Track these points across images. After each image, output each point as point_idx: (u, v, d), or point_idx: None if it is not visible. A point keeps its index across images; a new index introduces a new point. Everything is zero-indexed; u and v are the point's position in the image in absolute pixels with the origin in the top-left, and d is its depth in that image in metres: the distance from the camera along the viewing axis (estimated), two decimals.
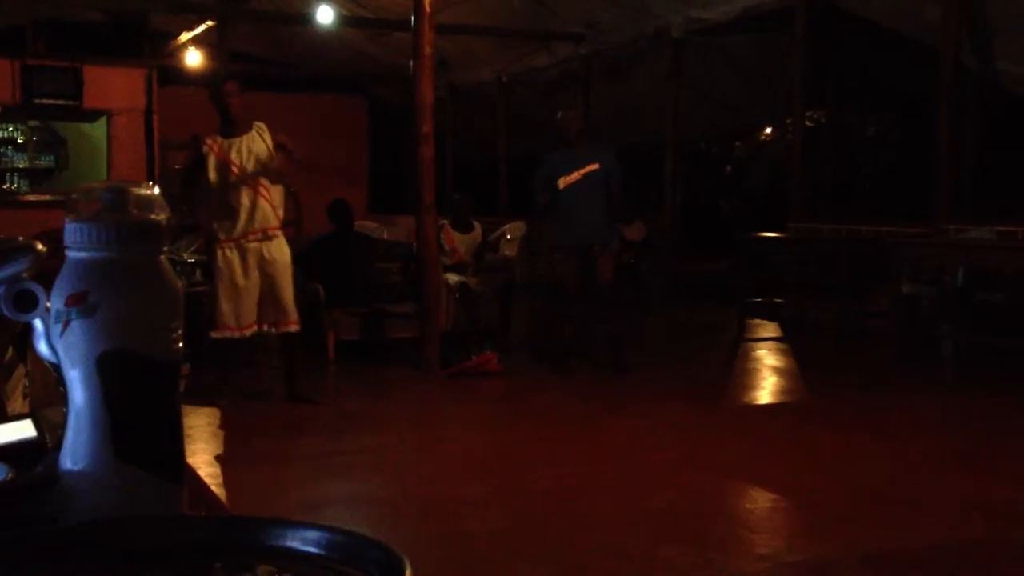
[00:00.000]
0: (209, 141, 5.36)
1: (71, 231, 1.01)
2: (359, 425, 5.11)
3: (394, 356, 6.74)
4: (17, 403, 1.86)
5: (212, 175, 5.32)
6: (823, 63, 8.35)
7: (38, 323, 1.04)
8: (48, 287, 1.01)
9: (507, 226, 9.62)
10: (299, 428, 5.01)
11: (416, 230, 6.70)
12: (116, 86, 11.84)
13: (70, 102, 11.61)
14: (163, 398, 1.01)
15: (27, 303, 1.03)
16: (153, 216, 1.08)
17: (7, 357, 1.84)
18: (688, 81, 8.83)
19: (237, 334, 5.29)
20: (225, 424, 5.10)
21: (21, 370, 1.89)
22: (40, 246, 1.10)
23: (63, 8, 11.15)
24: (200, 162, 5.38)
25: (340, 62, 12.42)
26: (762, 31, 8.63)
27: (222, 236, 5.31)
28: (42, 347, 1.04)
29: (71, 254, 1.01)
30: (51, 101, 11.53)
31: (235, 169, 5.31)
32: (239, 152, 5.32)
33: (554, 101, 11.07)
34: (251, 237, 5.31)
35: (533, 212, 7.08)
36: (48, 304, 1.03)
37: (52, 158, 12.52)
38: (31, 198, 11.47)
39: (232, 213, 5.30)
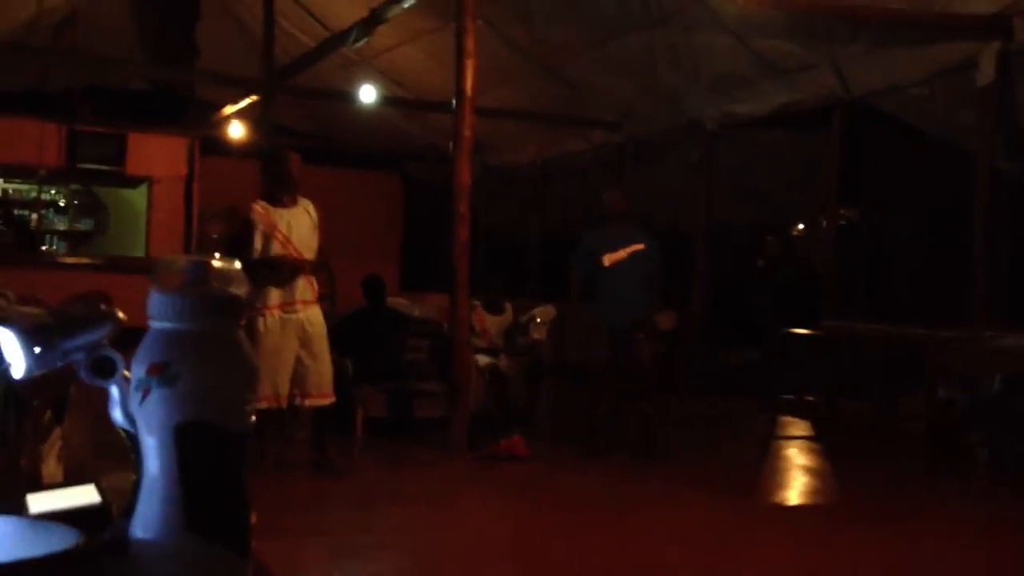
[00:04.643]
0: (259, 209, 5.42)
1: (155, 302, 1.04)
2: (385, 503, 5.07)
3: (421, 435, 6.71)
4: (51, 466, 1.87)
5: (258, 243, 5.39)
6: (858, 162, 8.41)
7: (114, 390, 1.05)
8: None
9: (537, 309, 9.62)
10: (326, 503, 4.98)
11: (448, 309, 6.73)
12: (159, 154, 12.04)
13: (113, 168, 11.79)
14: (234, 470, 1.02)
15: (106, 369, 1.05)
16: (233, 290, 1.10)
17: (45, 420, 1.86)
18: (721, 173, 8.91)
19: (275, 405, 5.26)
20: (255, 495, 5.07)
21: (57, 433, 1.90)
22: (121, 315, 1.13)
23: (110, 76, 11.43)
24: (248, 230, 5.43)
25: (378, 139, 12.63)
26: (797, 128, 8.74)
27: (262, 305, 5.33)
28: (117, 414, 1.06)
29: (154, 324, 1.03)
30: (95, 166, 11.71)
31: (280, 239, 5.38)
32: (287, 223, 5.41)
33: (588, 186, 11.20)
34: (291, 308, 5.34)
35: (570, 288, 7.02)
36: (126, 371, 1.05)
37: (92, 222, 12.69)
38: (69, 261, 11.60)
39: (272, 285, 5.36)
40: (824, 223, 9.01)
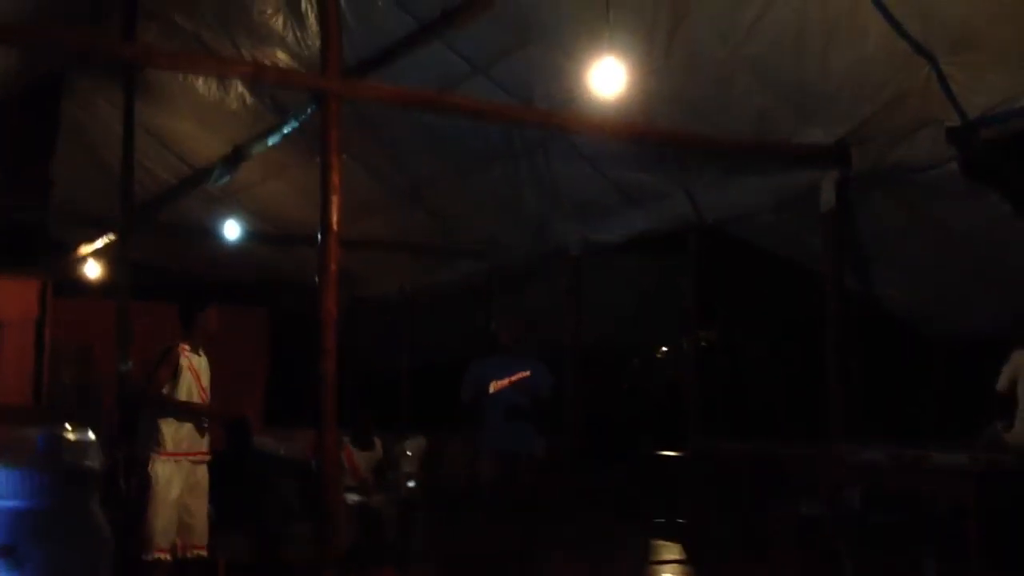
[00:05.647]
0: (186, 350, 5.48)
1: (2, 479, 0.99)
2: None
3: None
4: None
5: (182, 387, 5.41)
6: (714, 284, 8.74)
7: None
8: None
9: (407, 442, 9.48)
10: None
11: (316, 447, 6.57)
12: (9, 296, 11.54)
13: None
14: None
15: None
16: (88, 462, 1.07)
17: None
18: (587, 297, 9.10)
19: (167, 557, 5.10)
20: None
21: None
22: None
23: None
24: (170, 368, 5.43)
25: (243, 273, 12.47)
26: (657, 253, 9.05)
27: (159, 449, 5.23)
28: None
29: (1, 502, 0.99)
30: None
31: (198, 385, 5.45)
32: (202, 368, 5.50)
33: (457, 314, 11.27)
34: (193, 456, 5.34)
35: (458, 414, 7.06)
36: None
37: None
38: None
39: (186, 427, 5.31)
40: (684, 344, 9.27)
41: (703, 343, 9.58)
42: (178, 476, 5.19)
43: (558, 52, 6.48)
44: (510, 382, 6.44)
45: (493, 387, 6.41)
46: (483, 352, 6.92)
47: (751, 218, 7.47)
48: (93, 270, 10.77)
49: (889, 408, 8.36)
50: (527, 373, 6.48)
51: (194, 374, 5.46)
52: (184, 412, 5.38)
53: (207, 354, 5.77)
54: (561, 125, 6.48)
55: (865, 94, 5.91)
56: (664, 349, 12.08)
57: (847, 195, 6.43)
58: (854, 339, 6.95)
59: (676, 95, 6.46)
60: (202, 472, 5.48)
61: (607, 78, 5.71)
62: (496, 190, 8.83)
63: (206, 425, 5.49)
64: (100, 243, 10.07)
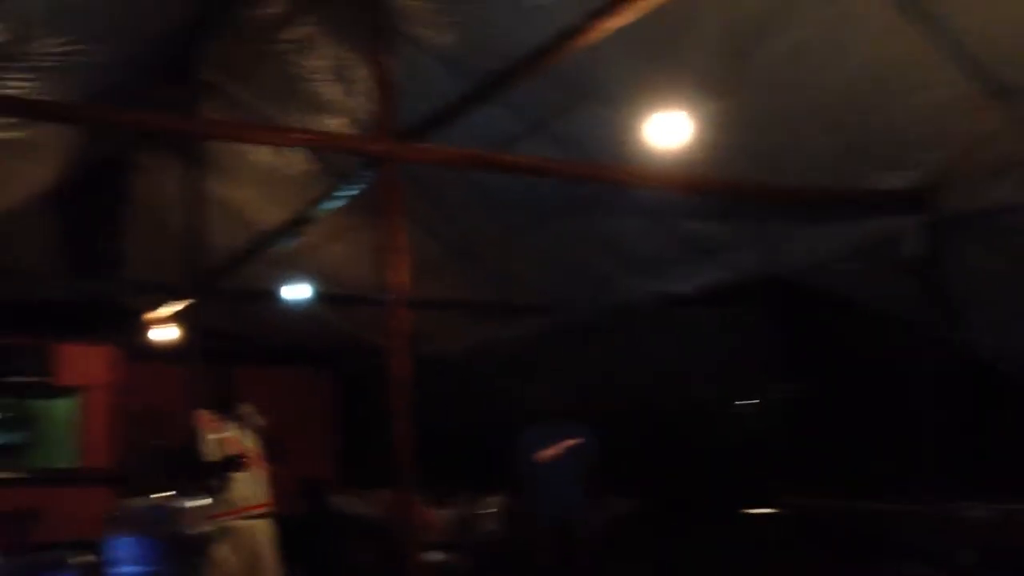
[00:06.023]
0: (208, 417, 5.51)
1: (119, 547, 0.89)
2: None
3: None
4: None
5: (213, 451, 5.42)
6: (792, 336, 8.48)
7: None
8: None
9: (482, 500, 9.39)
10: None
11: (394, 507, 6.51)
12: (87, 364, 11.82)
13: (39, 379, 11.59)
14: None
15: None
16: (196, 529, 0.97)
17: None
18: (655, 353, 8.90)
19: None
20: None
21: None
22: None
23: (32, 288, 11.32)
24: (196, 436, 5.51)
25: (308, 335, 12.51)
26: (728, 305, 8.81)
27: (217, 512, 5.26)
28: None
29: (118, 570, 0.88)
30: (20, 379, 11.51)
31: (237, 446, 5.43)
32: (238, 430, 5.47)
33: (521, 372, 11.12)
34: (244, 514, 5.25)
35: (512, 486, 7.02)
36: None
37: (22, 435, 12.35)
38: None
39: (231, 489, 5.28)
40: (765, 398, 9.01)
41: (783, 397, 9.29)
42: (228, 538, 5.17)
43: (615, 107, 6.36)
44: (559, 450, 6.38)
45: (541, 457, 6.35)
46: (533, 420, 6.89)
47: (828, 267, 7.22)
48: (164, 336, 10.89)
49: (984, 461, 7.97)
50: (575, 441, 6.43)
51: (226, 440, 5.54)
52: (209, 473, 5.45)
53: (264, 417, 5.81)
54: (622, 180, 6.35)
55: (943, 137, 5.68)
56: (743, 404, 11.75)
57: (933, 241, 6.18)
58: (947, 389, 6.65)
59: (742, 145, 6.29)
60: (260, 531, 5.43)
61: (668, 131, 5.60)
62: (556, 247, 8.70)
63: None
64: (170, 310, 10.19)
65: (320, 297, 10.42)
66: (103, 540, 7.31)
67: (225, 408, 5.70)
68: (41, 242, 10.76)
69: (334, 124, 7.77)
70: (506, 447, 7.09)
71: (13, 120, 6.91)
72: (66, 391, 11.99)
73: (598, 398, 9.43)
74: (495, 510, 9.19)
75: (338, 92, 7.46)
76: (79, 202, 10.24)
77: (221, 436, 5.54)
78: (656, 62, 5.56)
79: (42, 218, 10.49)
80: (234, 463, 5.36)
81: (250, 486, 5.44)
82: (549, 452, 6.41)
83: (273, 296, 10.28)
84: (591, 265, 8.75)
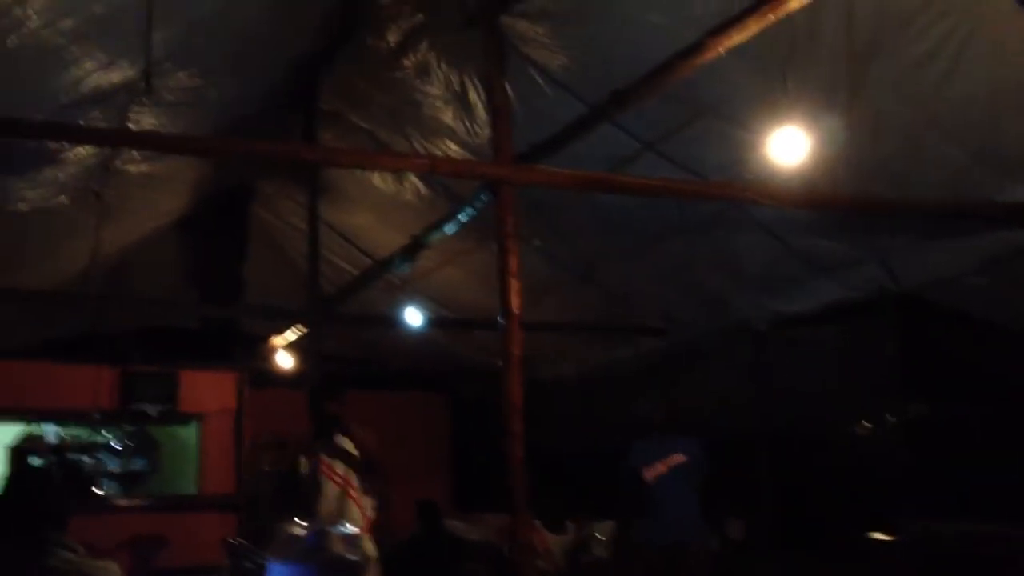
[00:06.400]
0: (309, 444, 5.58)
1: (276, 574, 0.94)
2: None
3: None
4: None
5: (310, 478, 5.46)
6: (917, 354, 8.22)
7: None
8: None
9: (597, 525, 9.33)
10: None
11: (506, 530, 6.51)
12: (209, 390, 12.18)
13: (165, 406, 11.94)
14: None
15: None
16: (353, 556, 1.01)
17: None
18: (773, 373, 8.74)
19: None
20: None
21: None
22: None
23: (160, 316, 11.72)
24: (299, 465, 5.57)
25: (422, 359, 12.66)
26: (849, 323, 8.61)
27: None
28: None
29: None
30: (148, 406, 11.87)
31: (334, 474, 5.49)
32: (338, 456, 5.54)
33: (636, 393, 11.04)
34: None
35: (621, 506, 6.88)
36: None
37: (145, 462, 12.73)
38: (123, 503, 11.57)
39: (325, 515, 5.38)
40: (887, 419, 8.75)
41: (909, 417, 8.99)
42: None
43: (732, 124, 6.33)
44: (667, 467, 6.24)
45: (650, 473, 6.21)
46: (641, 434, 6.75)
47: (954, 282, 7.01)
48: (285, 362, 11.17)
49: None
50: (683, 458, 6.27)
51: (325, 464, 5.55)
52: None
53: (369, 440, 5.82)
54: (739, 198, 6.30)
55: None
56: (864, 425, 11.42)
57: None
58: None
59: (862, 159, 6.17)
60: None
61: (787, 147, 5.53)
62: (671, 266, 8.65)
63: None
64: (290, 336, 10.46)
65: (434, 321, 10.57)
66: (223, 566, 7.48)
67: (326, 434, 5.72)
68: (168, 270, 11.18)
69: (450, 149, 7.91)
70: (616, 466, 7.02)
71: (145, 154, 7.21)
72: (188, 417, 12.36)
73: (713, 419, 9.31)
74: (608, 535, 9.11)
75: (454, 117, 7.58)
76: (205, 231, 10.61)
77: (319, 463, 5.54)
78: (774, 77, 5.50)
79: (169, 247, 10.91)
80: (322, 491, 5.36)
81: (344, 513, 5.43)
82: (659, 468, 6.27)
83: (389, 321, 10.46)
84: (707, 284, 8.67)
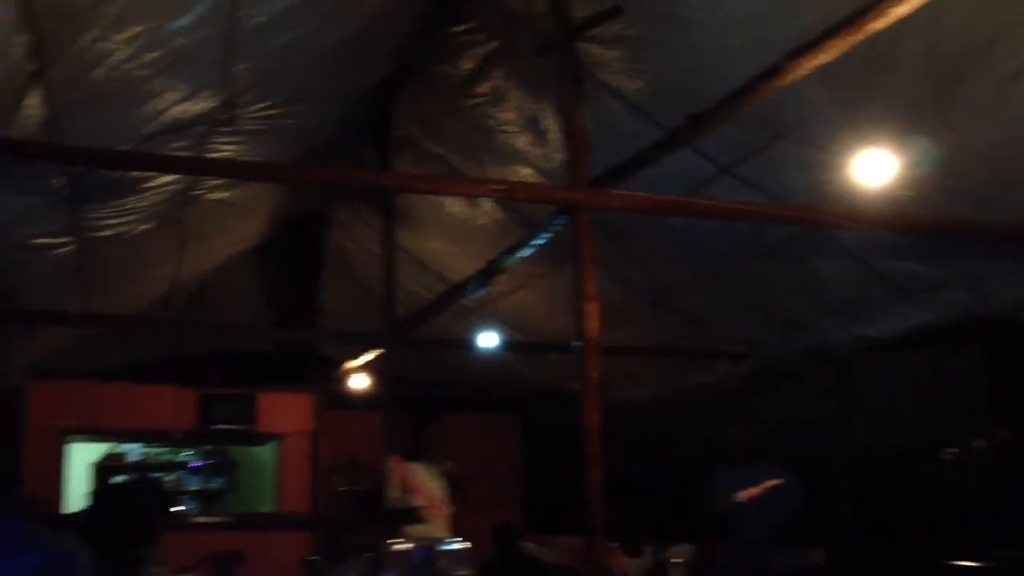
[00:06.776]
0: (399, 463, 5.70)
1: None
2: None
3: None
4: None
5: (396, 495, 5.58)
6: (1008, 379, 7.97)
7: None
8: None
9: (673, 549, 9.20)
10: None
11: (582, 553, 6.47)
12: (286, 411, 12.33)
13: (243, 427, 12.14)
14: None
15: None
16: (461, 571, 1.00)
17: None
18: (856, 399, 8.54)
19: None
20: None
21: None
22: None
23: (238, 340, 11.92)
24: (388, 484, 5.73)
25: (494, 382, 12.66)
26: (934, 347, 8.38)
27: None
28: None
29: None
30: (226, 427, 12.08)
31: (421, 492, 5.57)
32: (425, 476, 5.63)
33: (714, 418, 10.88)
34: None
35: (707, 529, 6.79)
36: None
37: (223, 481, 12.94)
38: (202, 520, 11.76)
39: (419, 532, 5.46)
40: (975, 445, 8.48)
41: (996, 442, 8.71)
42: None
43: (811, 146, 6.20)
44: (759, 492, 6.14)
45: (741, 496, 6.12)
46: (728, 460, 6.65)
47: None
48: (360, 383, 11.26)
49: None
50: (776, 482, 6.16)
51: (413, 483, 5.62)
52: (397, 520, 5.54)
53: (451, 463, 5.92)
54: (822, 221, 6.16)
55: None
56: (950, 450, 11.10)
57: None
58: None
59: (947, 181, 6.00)
60: None
61: (870, 169, 5.41)
62: (750, 290, 8.51)
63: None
64: (365, 359, 10.54)
65: (508, 344, 10.55)
66: None
67: (417, 455, 5.83)
68: (244, 295, 11.36)
69: (524, 173, 7.90)
70: (698, 489, 6.92)
71: (224, 181, 7.34)
72: (266, 438, 12.54)
73: (793, 444, 9.13)
74: (685, 558, 8.99)
75: (528, 142, 7.58)
76: (282, 256, 10.77)
77: (409, 481, 5.65)
78: (858, 98, 5.38)
79: (245, 273, 11.09)
80: (413, 514, 5.44)
81: (433, 530, 5.52)
82: (750, 492, 6.18)
83: (463, 344, 10.48)
84: (787, 308, 8.51)
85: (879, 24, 4.37)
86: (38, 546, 1.42)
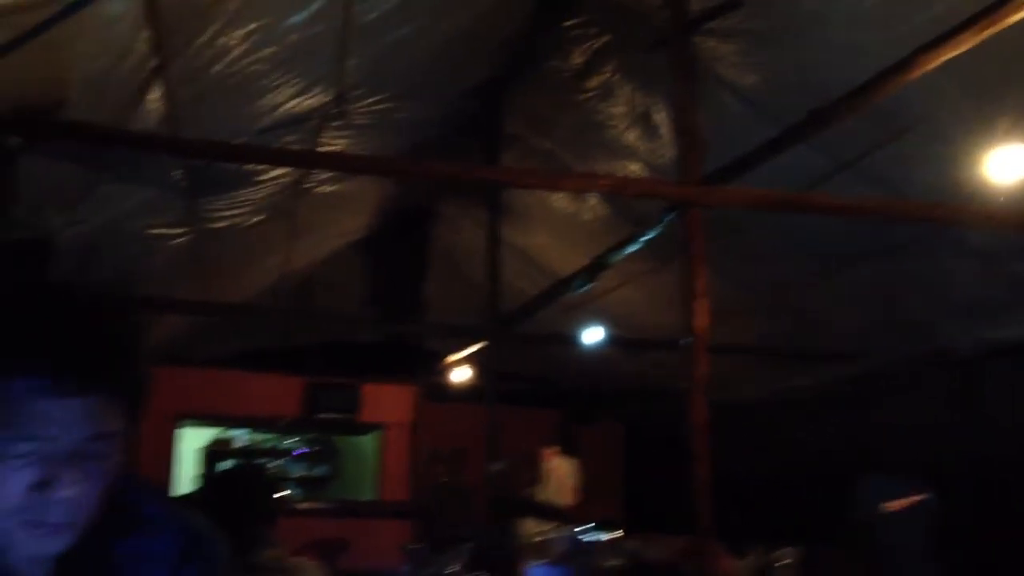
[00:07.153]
0: (553, 455, 5.81)
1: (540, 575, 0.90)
2: None
3: None
4: None
5: (549, 490, 5.68)
6: None
7: None
8: None
9: (780, 551, 8.98)
10: None
11: (692, 555, 6.35)
12: (389, 402, 12.47)
13: (347, 416, 12.33)
14: None
15: None
16: (611, 562, 0.95)
17: None
18: (979, 404, 8.18)
19: None
20: None
21: None
22: None
23: (344, 331, 12.08)
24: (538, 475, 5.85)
25: (594, 378, 12.56)
26: None
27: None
28: None
29: None
30: (331, 416, 12.28)
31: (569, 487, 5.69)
32: (571, 472, 5.73)
33: (822, 422, 10.59)
34: None
35: (843, 535, 6.60)
36: None
37: (327, 468, 13.15)
38: (304, 506, 11.97)
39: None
40: None
41: None
42: None
43: (937, 141, 5.94)
44: (908, 503, 5.89)
45: (888, 507, 5.88)
46: (861, 466, 6.41)
47: None
48: (463, 376, 11.30)
49: None
50: (924, 496, 5.90)
51: (561, 478, 5.63)
52: (543, 513, 5.51)
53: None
54: (948, 219, 5.89)
55: None
56: None
57: None
58: None
59: None
60: None
61: (1001, 165, 5.15)
62: (866, 290, 8.22)
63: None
64: (467, 352, 10.55)
65: (611, 340, 10.44)
66: (402, 571, 7.64)
67: (567, 448, 5.90)
68: (353, 287, 11.50)
69: (632, 169, 7.78)
70: (840, 494, 6.71)
71: (334, 175, 7.41)
72: (369, 428, 12.71)
73: (911, 451, 8.81)
74: (791, 560, 8.77)
75: (637, 137, 7.45)
76: (388, 250, 10.86)
77: (557, 473, 5.72)
78: (988, 95, 5.12)
79: (351, 265, 11.23)
80: (559, 512, 5.46)
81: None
82: (900, 503, 5.95)
83: (566, 339, 10.41)
84: (906, 309, 8.20)
85: (1013, 18, 4.14)
86: (178, 524, 1.42)
